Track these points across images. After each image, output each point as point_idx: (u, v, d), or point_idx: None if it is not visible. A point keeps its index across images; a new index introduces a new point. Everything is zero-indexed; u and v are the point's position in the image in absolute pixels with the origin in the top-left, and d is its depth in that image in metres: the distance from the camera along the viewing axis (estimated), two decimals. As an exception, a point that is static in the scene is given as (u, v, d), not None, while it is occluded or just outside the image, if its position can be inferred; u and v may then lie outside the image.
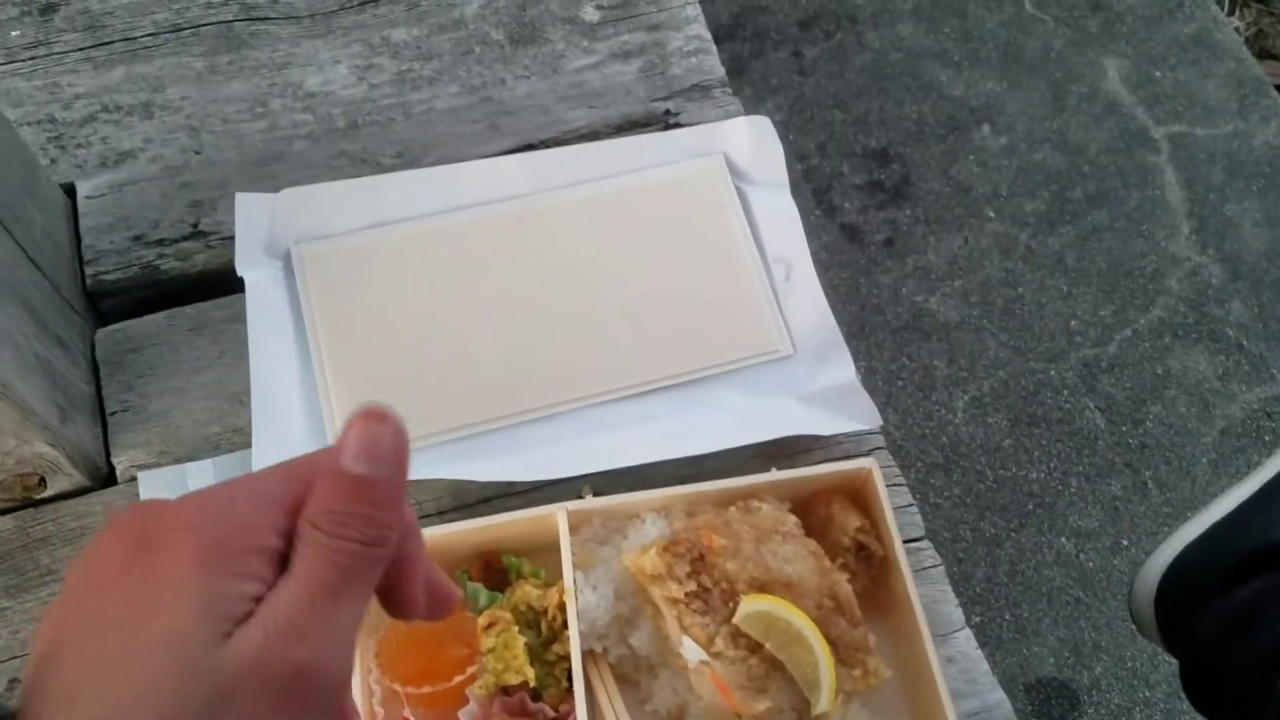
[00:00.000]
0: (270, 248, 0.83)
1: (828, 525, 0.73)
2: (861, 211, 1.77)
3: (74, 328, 0.81)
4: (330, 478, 0.31)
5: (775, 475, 0.74)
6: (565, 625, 0.68)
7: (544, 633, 0.69)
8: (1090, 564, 1.48)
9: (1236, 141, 1.87)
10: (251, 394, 0.77)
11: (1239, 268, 1.74)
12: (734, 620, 0.65)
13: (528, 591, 0.69)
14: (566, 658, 0.67)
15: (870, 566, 0.73)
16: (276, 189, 0.84)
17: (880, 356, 1.64)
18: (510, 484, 0.77)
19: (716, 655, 0.65)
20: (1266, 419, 1.60)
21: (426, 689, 0.67)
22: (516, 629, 0.68)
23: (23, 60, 0.94)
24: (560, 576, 0.69)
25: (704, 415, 0.80)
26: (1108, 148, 1.86)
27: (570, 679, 0.67)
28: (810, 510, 0.74)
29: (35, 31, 0.95)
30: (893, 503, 0.73)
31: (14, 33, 0.95)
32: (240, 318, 0.80)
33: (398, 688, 0.66)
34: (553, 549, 0.71)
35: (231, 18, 0.97)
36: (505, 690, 0.68)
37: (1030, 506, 1.53)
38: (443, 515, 0.77)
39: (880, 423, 0.80)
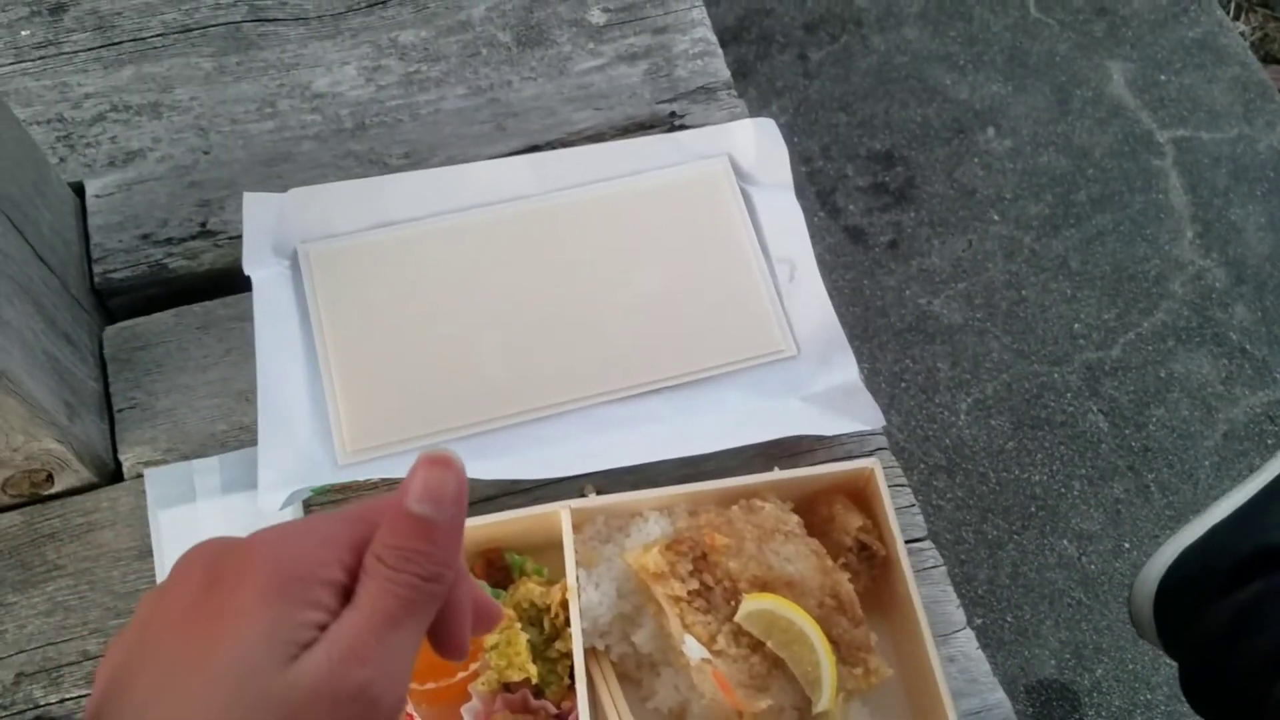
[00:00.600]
0: (277, 247, 0.84)
1: (830, 525, 0.74)
2: (866, 214, 1.78)
3: (82, 325, 0.81)
4: (395, 517, 0.34)
5: (778, 475, 0.74)
6: (568, 623, 0.68)
7: (546, 630, 0.69)
8: (1092, 566, 1.48)
9: (1241, 146, 1.88)
10: (258, 392, 0.77)
11: (1243, 272, 1.74)
12: (736, 618, 0.66)
13: (531, 589, 0.70)
14: (569, 655, 0.68)
15: (872, 566, 0.73)
16: (284, 189, 0.85)
17: (884, 358, 1.64)
18: (513, 482, 0.78)
19: (718, 653, 0.65)
20: (1269, 423, 1.61)
21: (430, 685, 0.67)
22: (519, 626, 0.68)
23: (32, 60, 0.95)
24: (562, 574, 0.70)
25: (707, 415, 0.81)
26: (1112, 151, 1.87)
27: (572, 676, 0.67)
28: (812, 510, 0.75)
29: (45, 31, 0.96)
30: (895, 503, 0.73)
31: (24, 32, 0.96)
32: (247, 316, 0.81)
33: (402, 684, 0.67)
34: (555, 547, 0.71)
35: (240, 19, 0.98)
36: (508, 687, 0.68)
37: (1032, 509, 1.53)
38: (447, 513, 0.77)
39: (883, 423, 0.80)
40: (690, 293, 0.86)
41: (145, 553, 0.76)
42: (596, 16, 1.00)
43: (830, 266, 0.82)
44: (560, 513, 0.71)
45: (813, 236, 0.87)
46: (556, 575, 0.71)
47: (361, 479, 0.76)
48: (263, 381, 0.78)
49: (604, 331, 0.84)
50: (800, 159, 1.76)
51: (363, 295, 0.83)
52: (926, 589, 0.74)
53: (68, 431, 0.73)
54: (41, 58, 0.95)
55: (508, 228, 0.87)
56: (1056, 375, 1.64)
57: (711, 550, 0.68)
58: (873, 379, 0.77)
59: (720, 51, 0.99)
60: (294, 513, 0.77)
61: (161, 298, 0.86)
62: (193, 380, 0.82)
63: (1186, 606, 0.78)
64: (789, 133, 0.87)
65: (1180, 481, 1.56)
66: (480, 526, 0.71)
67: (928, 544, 0.79)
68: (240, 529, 0.76)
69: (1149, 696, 1.39)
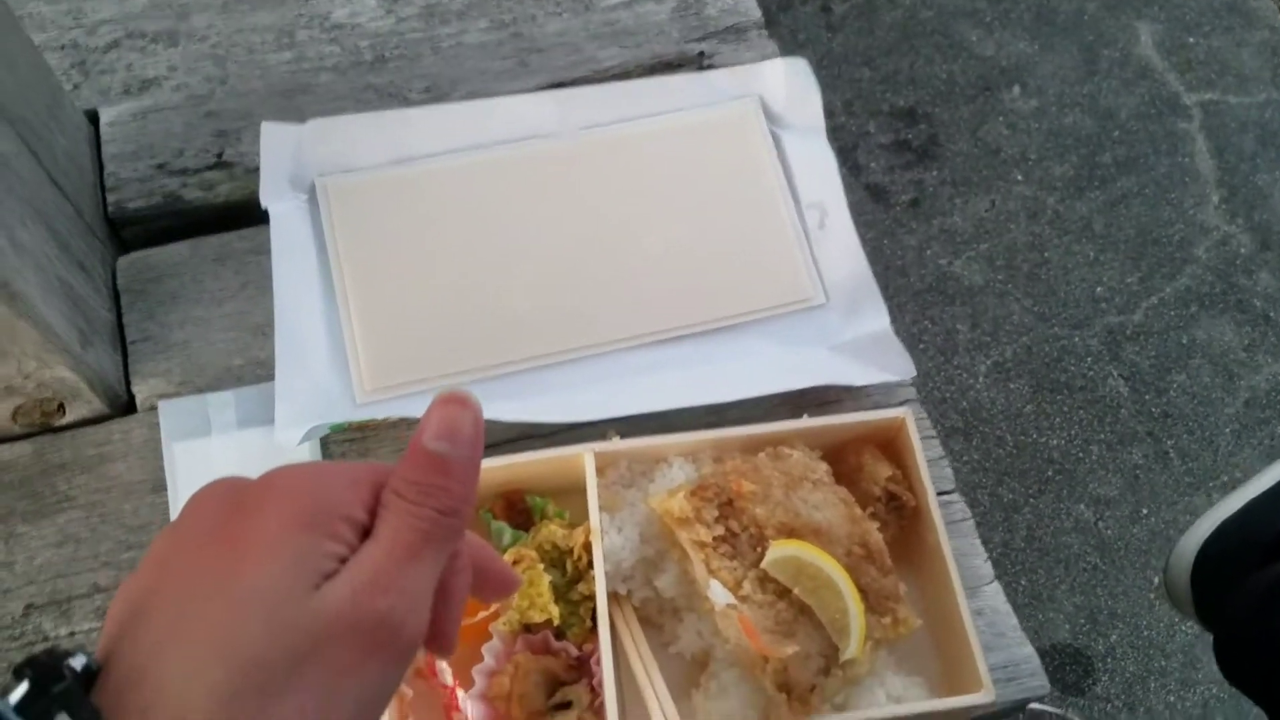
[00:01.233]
0: (295, 180, 0.82)
1: (858, 474, 0.72)
2: (887, 171, 1.75)
3: (96, 254, 0.79)
4: (412, 453, 0.34)
5: (807, 422, 0.72)
6: (590, 565, 0.67)
7: (569, 573, 0.68)
8: (1109, 532, 1.47)
9: (1269, 111, 1.84)
10: (275, 327, 0.76)
11: (1268, 238, 1.71)
12: (763, 564, 0.64)
13: (553, 531, 0.68)
14: (591, 598, 0.66)
15: (900, 517, 0.72)
16: (301, 121, 0.83)
17: (902, 320, 1.62)
18: (534, 426, 0.76)
19: (744, 599, 0.64)
20: (1292, 392, 1.59)
21: (449, 625, 0.66)
22: (542, 568, 0.67)
23: (46, -17, 0.92)
24: (584, 518, 0.68)
25: (733, 363, 0.79)
26: (1139, 113, 1.83)
27: (594, 619, 0.66)
28: (841, 459, 0.73)
29: (58, -45, 0.93)
30: (925, 454, 0.72)
31: (37, -45, 0.93)
32: (264, 249, 0.79)
33: (420, 623, 0.66)
34: (576, 491, 0.70)
35: (258, -54, 0.95)
36: (529, 628, 0.67)
37: (1050, 473, 1.52)
38: (466, 454, 0.76)
39: (914, 374, 0.78)
40: (717, 237, 0.83)
41: (159, 486, 0.74)
42: (625, -49, 0.97)
43: (850, 224, 0.82)
44: (584, 456, 0.69)
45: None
46: (578, 519, 0.70)
47: (380, 417, 0.75)
48: (280, 316, 0.76)
49: (629, 275, 0.82)
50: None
51: (382, 231, 0.81)
52: (955, 541, 0.73)
53: (80, 360, 0.71)
54: (54, -19, 0.92)
55: (531, 166, 0.85)
56: (1077, 339, 1.62)
57: (738, 496, 0.67)
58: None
59: (751, -10, 0.96)
60: (311, 450, 0.75)
61: (176, 229, 0.84)
62: (208, 313, 0.80)
63: (1224, 578, 0.78)
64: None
65: (1200, 448, 1.54)
66: (500, 467, 0.70)
67: (956, 497, 0.77)
68: (255, 464, 0.74)
69: (1163, 664, 1.38)
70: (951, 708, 0.64)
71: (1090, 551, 1.45)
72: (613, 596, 0.69)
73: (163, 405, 0.76)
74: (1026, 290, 1.66)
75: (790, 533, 0.66)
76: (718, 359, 0.79)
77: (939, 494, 0.72)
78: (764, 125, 0.87)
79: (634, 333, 0.79)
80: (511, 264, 0.81)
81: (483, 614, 0.66)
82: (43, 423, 0.75)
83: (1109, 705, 1.35)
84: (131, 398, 0.78)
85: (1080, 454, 1.53)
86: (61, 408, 0.74)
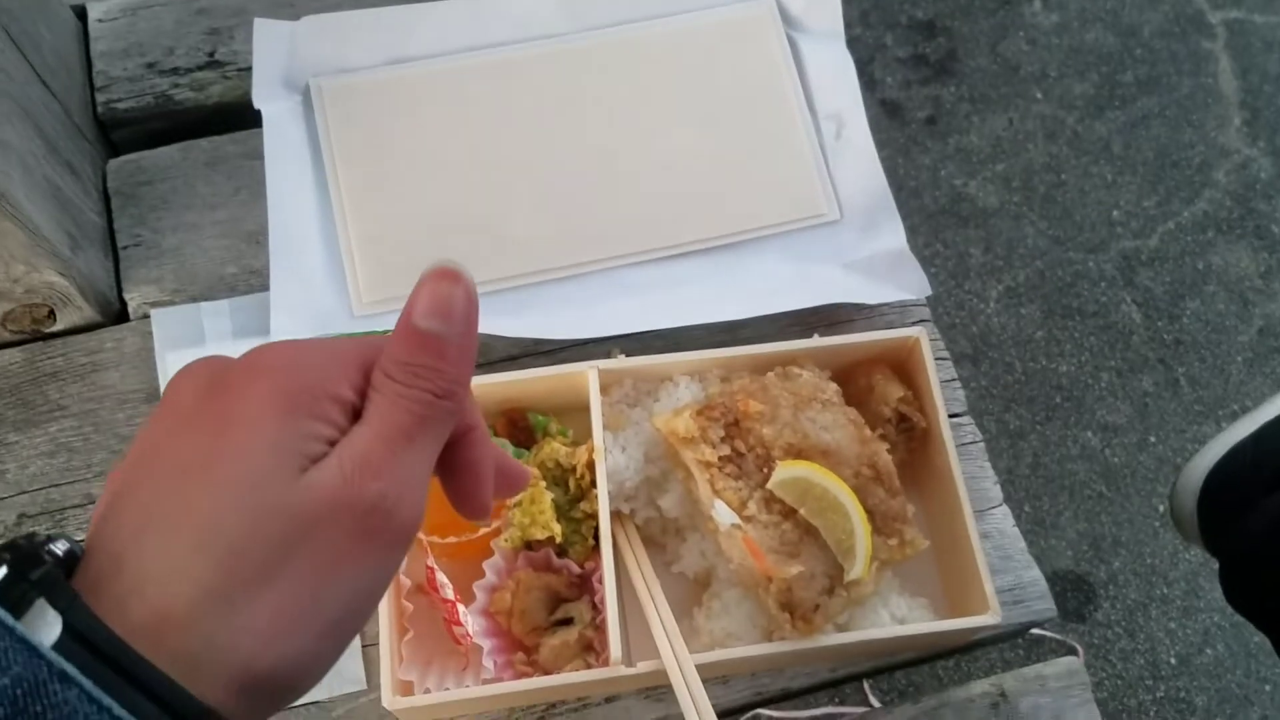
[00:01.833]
0: (289, 80, 0.79)
1: (869, 395, 0.70)
2: (904, 87, 1.70)
3: (85, 155, 0.77)
4: (402, 332, 0.32)
5: (817, 341, 0.70)
6: (593, 484, 0.65)
7: (571, 491, 0.67)
8: (1115, 459, 1.46)
9: (1298, 31, 1.78)
10: (269, 235, 0.73)
11: (1291, 163, 1.67)
12: (769, 485, 0.63)
13: (556, 448, 0.67)
14: (593, 516, 0.65)
15: (910, 439, 0.70)
16: (296, 18, 0.79)
17: (914, 242, 1.56)
18: (537, 342, 0.74)
19: (749, 519, 0.62)
20: (1308, 319, 1.56)
21: (451, 539, 0.65)
22: (544, 485, 0.65)
23: None
24: (587, 436, 0.67)
25: (743, 280, 0.77)
26: (1162, 31, 1.78)
27: (597, 538, 0.65)
28: (851, 379, 0.71)
29: None
30: (939, 376, 0.70)
31: None
32: (258, 153, 0.76)
33: (422, 537, 0.64)
34: (580, 409, 0.68)
35: None
36: (530, 545, 0.66)
37: (1058, 400, 1.50)
38: (467, 369, 0.74)
39: (930, 292, 0.76)
40: (728, 148, 0.80)
41: (152, 395, 0.73)
42: None
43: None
44: (588, 373, 0.68)
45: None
46: (581, 437, 0.68)
47: (379, 330, 0.73)
48: (274, 224, 0.74)
49: (636, 186, 0.79)
50: (836, 27, 1.67)
51: (378, 135, 0.78)
52: (965, 464, 0.71)
53: (70, 264, 0.69)
54: None
55: (535, 68, 0.81)
56: (1091, 263, 1.59)
57: (745, 416, 0.65)
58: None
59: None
60: (307, 361, 0.73)
61: (167, 131, 0.81)
62: (200, 219, 0.77)
63: (1232, 504, 0.77)
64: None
65: (1211, 376, 1.52)
66: (502, 384, 0.68)
67: (967, 419, 0.75)
68: (251, 375, 0.72)
69: (1165, 591, 1.38)
70: (957, 628, 0.63)
71: (1096, 479, 1.44)
72: (615, 515, 0.68)
73: (156, 314, 0.74)
74: (1042, 213, 1.62)
75: (798, 453, 0.64)
76: (727, 275, 0.77)
77: (950, 416, 0.71)
78: (780, 28, 0.84)
79: (641, 247, 0.77)
80: (514, 172, 0.79)
81: (484, 530, 0.65)
82: (33, 329, 0.73)
83: (1110, 632, 1.35)
84: (124, 305, 0.76)
85: (1090, 381, 1.51)
86: (52, 314, 0.72)
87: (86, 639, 0.26)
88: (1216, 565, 0.77)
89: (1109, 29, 1.77)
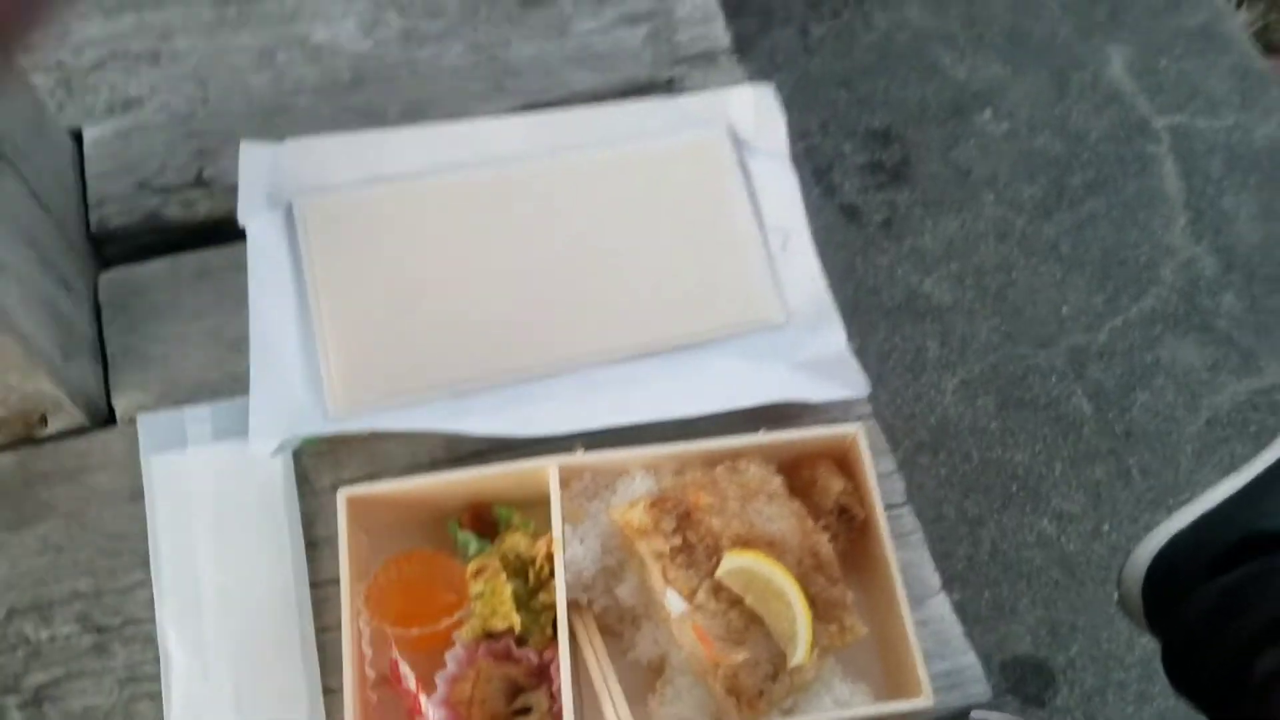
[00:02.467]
0: (272, 198, 0.84)
1: (812, 488, 0.75)
2: (861, 192, 1.78)
3: (78, 270, 0.82)
4: None
5: (764, 436, 0.75)
6: (553, 575, 0.69)
7: (531, 581, 0.70)
8: (1071, 547, 1.50)
9: (1237, 135, 1.88)
10: (250, 341, 0.78)
11: (1233, 260, 1.75)
12: (717, 574, 0.67)
13: (517, 540, 0.71)
14: (552, 606, 0.69)
15: (851, 529, 0.75)
16: (281, 140, 0.85)
17: (873, 336, 1.65)
18: (504, 439, 0.78)
19: (699, 608, 0.66)
20: (1253, 411, 1.62)
21: (414, 631, 0.68)
22: (505, 576, 0.69)
23: (33, 4, 0.94)
24: (548, 528, 0.71)
25: (695, 379, 0.81)
26: (1108, 136, 1.87)
27: (555, 627, 0.69)
28: (796, 472, 0.76)
29: (46, -24, 0.96)
30: (878, 469, 0.75)
31: (24, -24, 0.96)
32: (242, 266, 0.81)
33: (386, 629, 0.68)
34: (542, 502, 0.72)
35: (241, -31, 0.97)
36: (491, 635, 0.69)
37: (1014, 488, 1.55)
38: (435, 466, 0.78)
39: (869, 391, 0.81)
40: (684, 259, 0.86)
41: (136, 495, 0.77)
42: (598, -20, 1.00)
43: (824, 244, 0.82)
44: (549, 468, 0.72)
45: (807, 213, 0.88)
46: (543, 529, 0.72)
47: (351, 430, 0.77)
48: (255, 331, 0.79)
49: (597, 294, 0.84)
50: (798, 134, 1.74)
51: (356, 250, 0.84)
52: (904, 553, 0.76)
53: (62, 374, 0.74)
54: (42, 2, 0.95)
55: (504, 187, 0.87)
56: (1043, 358, 1.66)
57: (695, 509, 0.69)
58: (861, 356, 0.78)
59: (721, 17, 0.99)
60: (284, 459, 0.77)
61: (157, 245, 0.86)
62: (186, 328, 0.82)
63: (1175, 589, 0.79)
64: (788, 108, 0.87)
65: (1162, 466, 1.57)
66: (469, 479, 0.72)
67: (906, 509, 0.80)
68: (230, 476, 0.77)
69: (1122, 676, 1.41)
70: (892, 712, 0.66)
71: (1052, 566, 1.49)
72: (573, 605, 0.71)
73: (141, 419, 0.79)
74: (994, 309, 1.69)
75: (745, 544, 0.68)
76: (682, 375, 0.82)
77: (889, 507, 0.75)
78: (731, 152, 0.90)
79: (601, 349, 0.82)
80: (481, 282, 0.84)
81: (446, 621, 0.69)
82: (25, 434, 0.77)
83: (1069, 717, 1.38)
84: (111, 410, 0.80)
85: (1044, 470, 1.56)
86: (44, 419, 0.77)
87: None
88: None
89: (1057, 135, 1.87)
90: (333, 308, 0.81)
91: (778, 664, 0.66)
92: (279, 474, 0.77)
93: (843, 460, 0.77)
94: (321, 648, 0.73)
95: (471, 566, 0.70)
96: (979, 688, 0.73)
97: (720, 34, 0.98)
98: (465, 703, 0.67)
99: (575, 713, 0.65)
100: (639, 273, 0.85)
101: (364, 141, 0.87)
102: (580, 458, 0.74)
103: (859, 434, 0.75)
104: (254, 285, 0.80)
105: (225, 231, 0.84)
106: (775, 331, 0.84)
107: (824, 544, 0.70)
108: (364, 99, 0.92)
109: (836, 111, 1.84)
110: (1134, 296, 1.72)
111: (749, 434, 0.75)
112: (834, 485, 0.74)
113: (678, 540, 0.68)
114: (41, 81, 0.91)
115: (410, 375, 0.80)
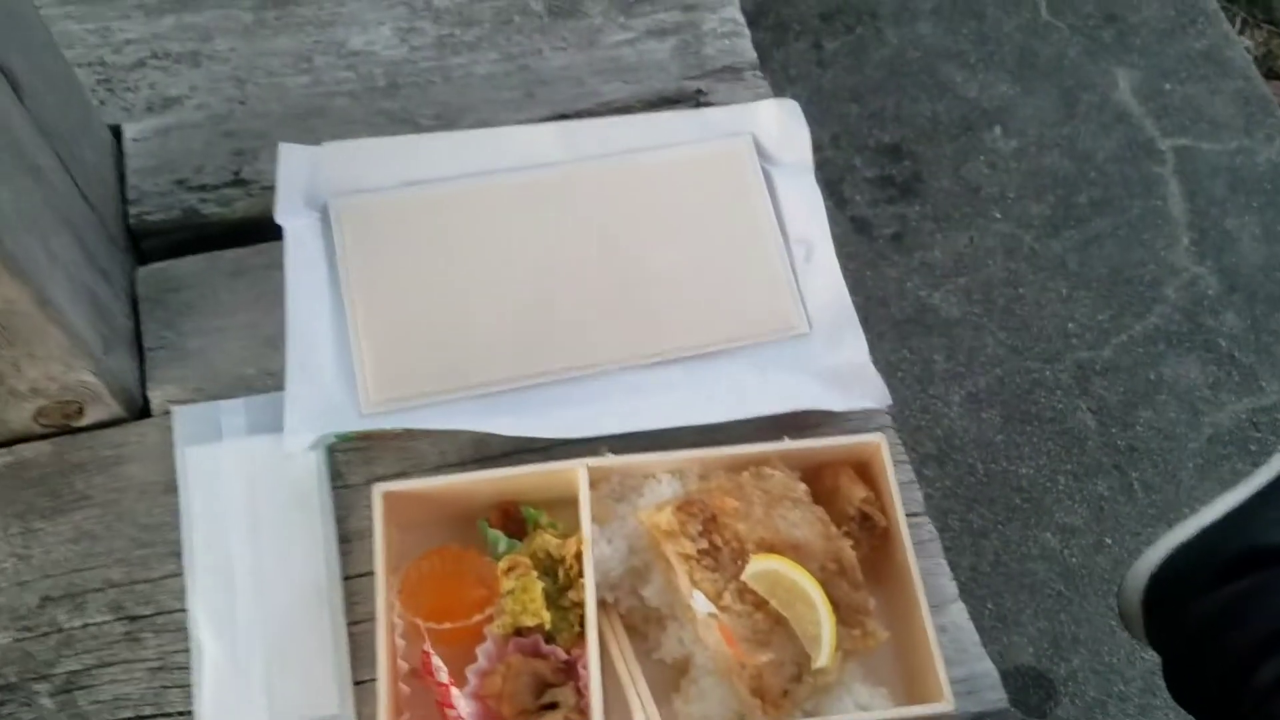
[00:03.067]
0: (309, 198, 0.86)
1: (834, 495, 0.77)
2: (872, 205, 1.80)
3: (117, 264, 0.83)
4: None
5: (787, 444, 0.77)
6: (581, 574, 0.71)
7: (560, 580, 0.72)
8: (1074, 559, 1.52)
9: (1240, 158, 1.91)
10: (286, 338, 0.79)
11: (1235, 280, 1.78)
12: (743, 577, 0.68)
13: (547, 540, 0.72)
14: (580, 605, 0.70)
15: (872, 536, 0.76)
16: (317, 143, 0.87)
17: (881, 348, 1.67)
18: (531, 440, 0.80)
19: (724, 609, 0.68)
20: (1253, 429, 1.64)
21: (446, 625, 0.70)
22: (535, 575, 0.71)
23: (77, 3, 0.96)
24: (575, 529, 0.72)
25: (720, 386, 0.83)
26: (1115, 156, 1.90)
27: (583, 625, 0.70)
28: (819, 480, 0.78)
29: (86, -25, 0.98)
30: (898, 478, 0.76)
31: (65, -25, 0.97)
32: (277, 265, 0.83)
33: (419, 622, 0.70)
34: (569, 503, 0.74)
35: (278, -27, 0.99)
36: (520, 631, 0.71)
37: (1018, 501, 1.57)
38: (464, 466, 0.80)
39: (890, 402, 0.83)
40: (709, 267, 0.88)
41: (170, 487, 0.78)
42: (628, -8, 1.02)
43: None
44: (578, 470, 0.74)
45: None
46: (570, 529, 0.73)
47: (384, 427, 0.79)
48: (291, 328, 0.80)
49: (624, 300, 0.86)
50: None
51: (390, 251, 0.85)
52: (922, 561, 0.77)
53: (102, 365, 0.75)
54: (86, 2, 0.96)
55: (534, 193, 0.89)
56: (1048, 372, 1.68)
57: (721, 512, 0.71)
58: (870, 366, 0.82)
59: (748, 32, 1.01)
60: (318, 454, 0.79)
61: (194, 242, 0.88)
62: (222, 324, 0.84)
63: (1175, 602, 0.81)
64: (800, 121, 0.92)
65: (1164, 482, 1.60)
66: (498, 478, 0.74)
67: (925, 519, 0.81)
68: (264, 469, 0.78)
69: (1123, 688, 1.43)
70: (913, 716, 0.68)
71: (1055, 578, 1.51)
72: (601, 604, 0.73)
73: (176, 411, 0.80)
74: (1001, 324, 1.71)
75: (769, 548, 0.70)
76: (707, 382, 0.83)
77: (909, 515, 0.77)
78: (756, 162, 0.92)
79: (628, 355, 0.84)
80: (512, 285, 0.85)
81: (477, 617, 0.70)
82: (63, 424, 0.79)
83: (1069, 728, 1.40)
84: (147, 402, 0.81)
85: (1048, 483, 1.58)
86: (81, 410, 0.78)
87: None
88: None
89: (1065, 154, 1.89)
90: (367, 307, 0.83)
91: (801, 665, 0.68)
92: (313, 469, 0.78)
93: (864, 469, 0.79)
94: (351, 639, 0.74)
95: (504, 564, 0.71)
96: (995, 694, 0.74)
97: (746, 49, 1.00)
98: (495, 696, 0.69)
99: (603, 708, 0.66)
100: (665, 280, 0.87)
101: (399, 146, 0.89)
102: (608, 460, 0.75)
103: (882, 443, 0.76)
104: (290, 283, 0.82)
105: (261, 230, 0.86)
106: (798, 341, 0.86)
107: (846, 550, 0.72)
108: (398, 104, 0.94)
109: (848, 126, 1.87)
110: (1138, 314, 1.74)
111: (773, 441, 0.77)
112: (856, 493, 0.76)
113: (704, 543, 0.70)
114: (83, 78, 0.92)
115: (441, 375, 0.81)
